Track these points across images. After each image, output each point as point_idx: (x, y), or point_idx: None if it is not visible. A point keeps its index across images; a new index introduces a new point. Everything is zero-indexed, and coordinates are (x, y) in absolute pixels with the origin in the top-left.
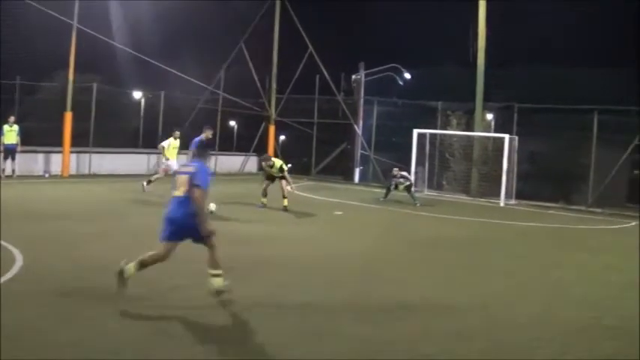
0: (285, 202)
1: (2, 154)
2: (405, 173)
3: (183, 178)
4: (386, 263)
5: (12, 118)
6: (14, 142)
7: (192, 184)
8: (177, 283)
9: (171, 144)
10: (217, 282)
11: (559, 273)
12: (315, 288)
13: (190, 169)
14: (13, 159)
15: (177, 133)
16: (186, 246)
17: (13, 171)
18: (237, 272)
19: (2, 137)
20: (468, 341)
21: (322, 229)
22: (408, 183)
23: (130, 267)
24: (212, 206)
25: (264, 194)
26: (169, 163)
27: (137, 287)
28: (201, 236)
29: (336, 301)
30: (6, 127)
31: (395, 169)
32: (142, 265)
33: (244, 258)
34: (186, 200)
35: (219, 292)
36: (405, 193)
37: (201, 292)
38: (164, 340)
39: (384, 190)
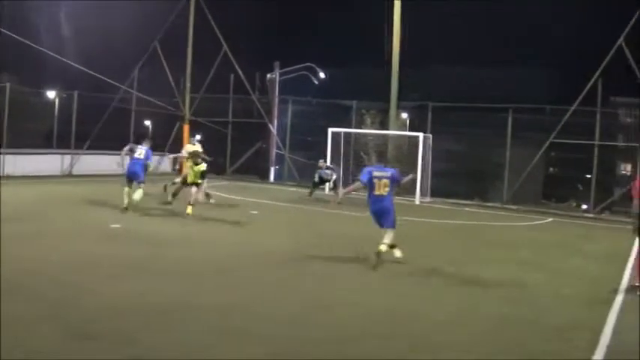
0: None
1: None
2: (331, 166)
3: (384, 182)
4: (301, 260)
5: None
6: None
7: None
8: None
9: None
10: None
11: (474, 270)
12: (230, 288)
13: (387, 174)
14: None
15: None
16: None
17: None
18: (153, 272)
19: None
20: (388, 340)
21: (237, 228)
22: (334, 177)
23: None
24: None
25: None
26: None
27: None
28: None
29: (253, 301)
30: None
31: (321, 160)
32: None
33: (160, 259)
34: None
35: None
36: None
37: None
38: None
39: (307, 190)
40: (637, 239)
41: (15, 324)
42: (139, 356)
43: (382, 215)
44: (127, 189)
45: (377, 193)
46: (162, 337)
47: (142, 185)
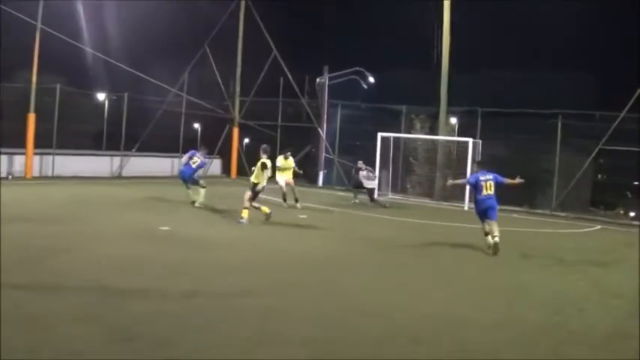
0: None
1: None
2: (370, 168)
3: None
4: (349, 266)
5: None
6: None
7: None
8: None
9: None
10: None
11: (523, 276)
12: (271, 290)
13: (490, 176)
14: None
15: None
16: None
17: None
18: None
19: None
20: (430, 346)
21: (285, 231)
22: (375, 181)
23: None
24: None
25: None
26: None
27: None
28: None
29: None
30: None
31: (360, 162)
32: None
33: (202, 261)
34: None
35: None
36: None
37: None
38: None
39: (351, 194)
40: None
41: (56, 324)
42: (177, 357)
43: (490, 210)
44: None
45: (485, 193)
46: (203, 340)
47: (200, 186)
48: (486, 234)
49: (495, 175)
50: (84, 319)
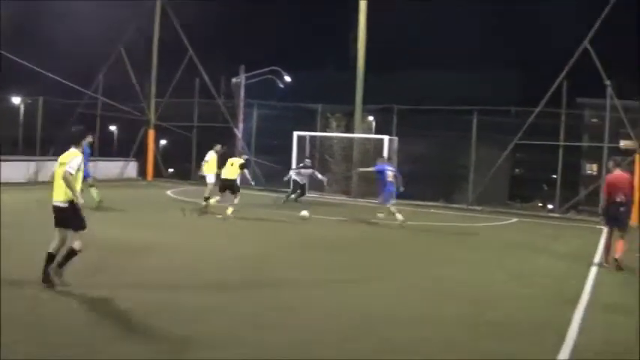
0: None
1: None
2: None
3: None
4: (269, 264)
5: None
6: None
7: None
8: None
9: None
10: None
11: (440, 270)
12: (202, 291)
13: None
14: None
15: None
16: None
17: None
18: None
19: None
20: (353, 342)
21: (203, 233)
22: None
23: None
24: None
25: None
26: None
27: None
28: None
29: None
30: None
31: (307, 159)
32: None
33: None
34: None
35: None
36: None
37: None
38: None
39: (277, 194)
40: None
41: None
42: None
43: (394, 194)
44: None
45: (390, 180)
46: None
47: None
48: (393, 213)
49: (396, 169)
50: None
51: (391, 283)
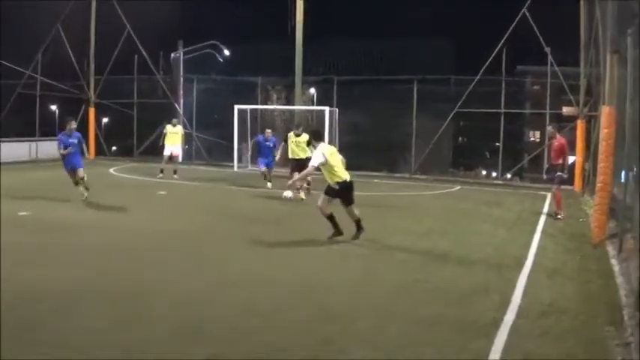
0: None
1: None
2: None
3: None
4: (208, 241)
5: None
6: None
7: None
8: None
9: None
10: None
11: (382, 240)
12: (135, 270)
13: None
14: None
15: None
16: None
17: None
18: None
19: None
20: (289, 310)
21: (147, 210)
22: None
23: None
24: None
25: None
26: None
27: None
28: None
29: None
30: None
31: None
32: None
33: (64, 245)
34: None
35: None
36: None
37: None
38: None
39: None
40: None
41: None
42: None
43: None
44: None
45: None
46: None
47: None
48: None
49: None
50: None
51: (333, 253)
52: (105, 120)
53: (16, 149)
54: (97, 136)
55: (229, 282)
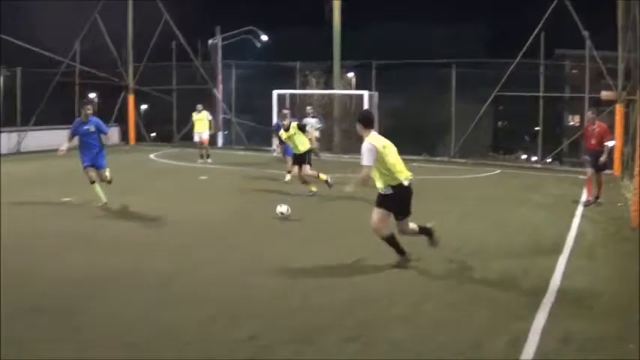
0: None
1: None
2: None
3: None
4: (246, 225)
5: None
6: None
7: None
8: None
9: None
10: None
11: (422, 222)
12: (176, 255)
13: None
14: None
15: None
16: None
17: None
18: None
19: None
20: (329, 293)
21: (188, 194)
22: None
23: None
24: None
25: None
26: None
27: None
28: None
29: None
30: None
31: (308, 107)
32: None
33: (105, 231)
34: None
35: None
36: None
37: None
38: None
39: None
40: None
41: None
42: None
43: None
44: None
45: None
46: (105, 307)
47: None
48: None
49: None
50: None
51: (372, 237)
52: (144, 107)
53: (56, 137)
54: (136, 122)
55: (268, 266)
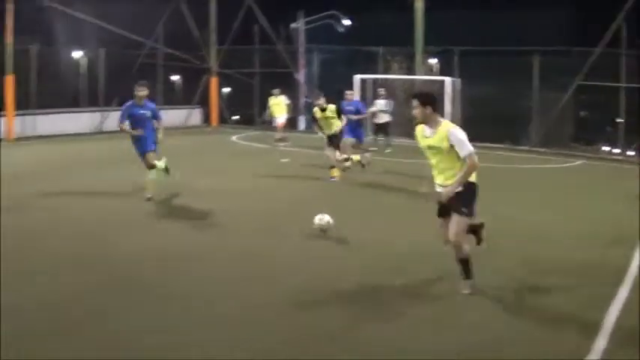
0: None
1: None
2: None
3: None
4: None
5: None
6: None
7: None
8: None
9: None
10: None
11: (501, 209)
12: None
13: None
14: None
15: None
16: None
17: None
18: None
19: None
20: (406, 272)
21: (270, 176)
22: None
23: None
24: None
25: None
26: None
27: None
28: None
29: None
30: None
31: (380, 89)
32: None
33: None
34: None
35: None
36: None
37: None
38: None
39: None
40: None
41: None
42: (166, 296)
43: None
44: None
45: None
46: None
47: None
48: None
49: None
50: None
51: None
52: (227, 89)
53: None
54: (219, 104)
55: (353, 245)
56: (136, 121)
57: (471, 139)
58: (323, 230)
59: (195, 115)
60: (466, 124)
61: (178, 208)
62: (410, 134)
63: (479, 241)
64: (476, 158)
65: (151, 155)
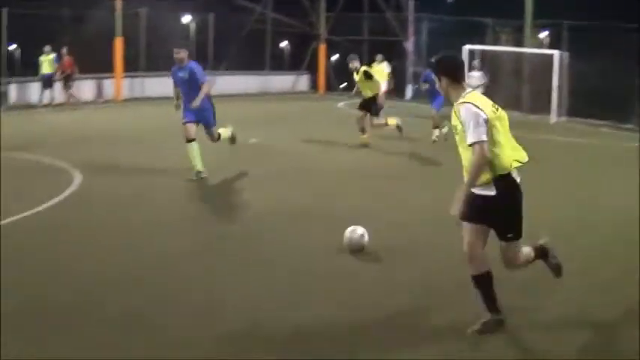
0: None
1: (41, 83)
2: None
3: None
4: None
5: (47, 48)
6: (50, 71)
7: None
8: None
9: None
10: None
11: (595, 197)
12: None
13: None
14: (50, 87)
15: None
16: None
17: (53, 99)
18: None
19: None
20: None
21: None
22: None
23: None
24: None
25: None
26: None
27: None
28: None
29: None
30: (42, 57)
31: (475, 61)
32: None
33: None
34: None
35: None
36: None
37: None
38: None
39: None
40: None
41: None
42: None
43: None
44: None
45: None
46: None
47: None
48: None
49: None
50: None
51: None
52: (335, 56)
53: (247, 82)
54: (327, 71)
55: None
56: (179, 85)
57: (578, 114)
58: (353, 245)
59: (302, 81)
60: (573, 98)
61: (280, 168)
62: (513, 108)
63: (556, 273)
64: (484, 149)
65: (190, 128)
